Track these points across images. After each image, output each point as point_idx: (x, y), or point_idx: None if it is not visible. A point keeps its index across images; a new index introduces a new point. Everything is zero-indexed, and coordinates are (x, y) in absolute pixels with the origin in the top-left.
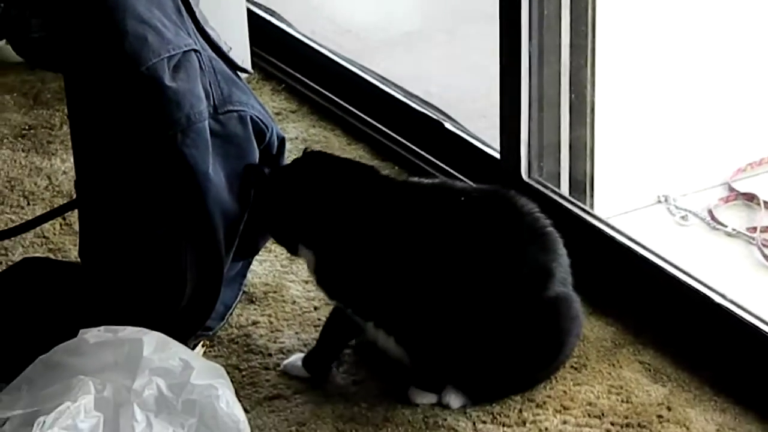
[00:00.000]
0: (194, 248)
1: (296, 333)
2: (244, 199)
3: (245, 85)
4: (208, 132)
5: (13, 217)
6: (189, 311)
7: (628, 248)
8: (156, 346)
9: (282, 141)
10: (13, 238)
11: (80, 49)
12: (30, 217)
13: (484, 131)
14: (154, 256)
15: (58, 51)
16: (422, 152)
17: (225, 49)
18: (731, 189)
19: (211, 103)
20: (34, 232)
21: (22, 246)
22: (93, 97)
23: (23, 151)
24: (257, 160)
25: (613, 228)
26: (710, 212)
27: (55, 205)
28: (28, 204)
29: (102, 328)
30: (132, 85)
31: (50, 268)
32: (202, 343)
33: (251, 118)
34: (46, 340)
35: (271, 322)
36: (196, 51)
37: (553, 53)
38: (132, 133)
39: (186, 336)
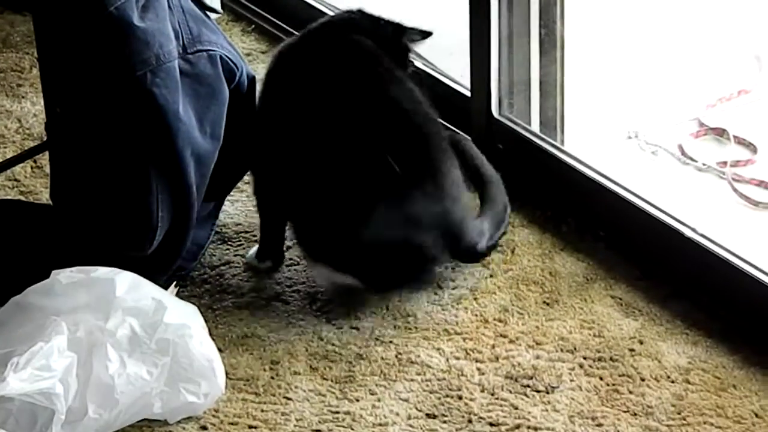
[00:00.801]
0: (165, 188)
1: (267, 272)
2: (215, 138)
3: (215, 25)
4: (177, 71)
5: None
6: (161, 251)
7: (599, 183)
8: (129, 287)
9: (252, 80)
10: None
11: None
12: (0, 160)
13: (453, 69)
14: (124, 197)
15: None
16: None
17: None
18: (701, 124)
19: (181, 42)
20: (5, 174)
21: None
22: (62, 38)
23: None
24: (227, 100)
25: (583, 164)
26: (680, 147)
27: (26, 148)
28: None
29: (74, 269)
30: (100, 24)
31: (21, 210)
32: (175, 283)
33: (221, 57)
34: (19, 282)
35: (243, 263)
36: None
37: None
38: (101, 73)
39: (158, 276)
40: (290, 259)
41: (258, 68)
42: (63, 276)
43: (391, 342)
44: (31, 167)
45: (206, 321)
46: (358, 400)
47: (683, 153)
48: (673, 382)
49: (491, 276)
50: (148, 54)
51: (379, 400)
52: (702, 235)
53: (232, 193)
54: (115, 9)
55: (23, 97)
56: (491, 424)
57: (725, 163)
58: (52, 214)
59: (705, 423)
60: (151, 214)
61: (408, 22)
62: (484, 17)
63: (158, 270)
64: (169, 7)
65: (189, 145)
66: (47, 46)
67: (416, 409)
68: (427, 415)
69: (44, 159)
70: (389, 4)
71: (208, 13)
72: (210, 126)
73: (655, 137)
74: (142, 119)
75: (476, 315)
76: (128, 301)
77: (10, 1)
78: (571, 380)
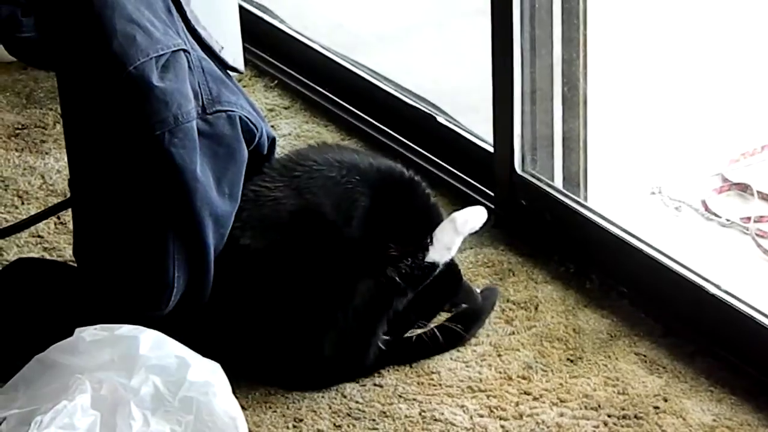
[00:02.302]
0: (182, 248)
1: None
2: (233, 198)
3: (236, 85)
4: (195, 132)
5: (8, 217)
6: (181, 309)
7: (623, 240)
8: (152, 344)
9: (273, 141)
10: (7, 238)
11: (70, 48)
12: (24, 217)
13: (476, 125)
14: (140, 256)
15: (50, 50)
16: (415, 146)
17: (216, 48)
18: (724, 179)
19: (200, 102)
20: (28, 231)
21: (17, 246)
22: (83, 96)
23: (16, 150)
24: (246, 160)
25: (607, 220)
26: (704, 203)
27: (50, 204)
28: (23, 203)
29: (98, 326)
30: (120, 84)
31: (45, 268)
32: None
33: (240, 118)
34: (43, 340)
35: None
36: (185, 51)
37: (545, 46)
38: (120, 133)
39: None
40: None
41: (280, 124)
42: (87, 333)
43: (414, 399)
44: (55, 224)
45: (229, 378)
46: None
47: (707, 209)
48: None
49: (514, 333)
50: (167, 114)
51: None
52: (726, 292)
53: None
54: (134, 68)
55: (47, 153)
56: None
57: (749, 218)
58: (76, 271)
59: None
60: (168, 274)
61: (433, 78)
62: (506, 74)
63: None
64: (189, 67)
65: (207, 206)
66: (69, 102)
67: None
68: None
69: (68, 215)
70: (415, 62)
71: (229, 72)
72: (228, 186)
73: (679, 193)
74: (160, 179)
75: (500, 372)
76: (152, 359)
77: (34, 58)
78: None
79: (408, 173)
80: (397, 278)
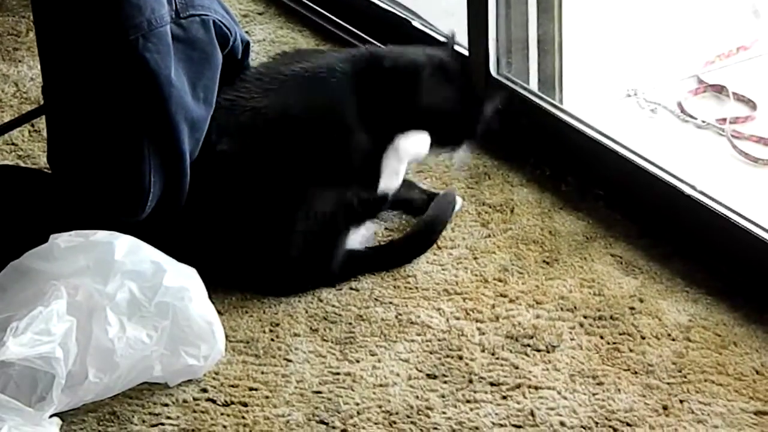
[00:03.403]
0: (157, 153)
1: None
2: (208, 103)
3: None
4: (169, 36)
5: None
6: (155, 216)
7: (598, 142)
8: (127, 250)
9: (247, 45)
10: None
11: None
12: None
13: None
14: (116, 161)
15: None
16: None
17: None
18: (700, 81)
19: (173, 7)
20: (2, 139)
21: None
22: (56, 2)
23: None
24: (220, 64)
25: (582, 122)
26: (680, 105)
27: (23, 112)
28: None
29: (73, 232)
30: None
31: (19, 175)
32: None
33: (214, 22)
34: (18, 246)
35: None
36: None
37: None
38: (94, 38)
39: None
40: None
41: (255, 29)
42: (62, 240)
43: (390, 303)
44: (29, 131)
45: (206, 284)
46: (358, 361)
47: (682, 110)
48: (673, 340)
49: (490, 236)
50: (140, 19)
51: (379, 361)
52: (702, 193)
53: None
54: None
55: (20, 61)
56: (492, 384)
57: (725, 120)
58: (50, 178)
59: (706, 380)
60: (143, 179)
61: None
62: None
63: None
64: None
65: (182, 111)
66: (42, 9)
67: (417, 369)
68: (428, 375)
69: (42, 123)
70: None
71: None
72: (203, 91)
73: (655, 95)
74: (134, 84)
75: (476, 275)
76: (127, 265)
77: None
78: (572, 339)
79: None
80: (355, 204)
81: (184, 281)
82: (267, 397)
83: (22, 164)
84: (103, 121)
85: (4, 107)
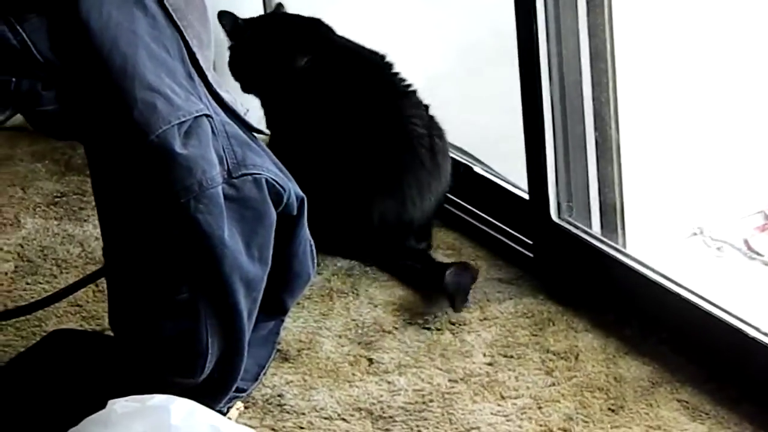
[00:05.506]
0: (213, 314)
1: (330, 390)
2: (263, 262)
3: (261, 147)
4: (221, 197)
5: (46, 287)
6: (215, 376)
7: (662, 286)
8: (185, 414)
9: (302, 201)
10: (46, 308)
11: (92, 119)
12: (63, 286)
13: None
14: (176, 324)
15: (72, 122)
16: (451, 196)
17: (240, 111)
18: (767, 216)
19: (225, 167)
20: (68, 300)
21: (56, 316)
22: (110, 165)
23: (56, 218)
24: (274, 223)
25: (646, 266)
26: (746, 242)
27: (88, 273)
28: (61, 272)
29: (130, 397)
30: (143, 153)
31: (79, 340)
32: (236, 405)
33: (267, 180)
34: (76, 412)
35: (305, 380)
36: (207, 116)
37: (574, 89)
38: (146, 201)
39: (218, 399)
40: (348, 380)
41: None
42: (119, 405)
43: None
44: (93, 291)
45: None
46: None
47: (749, 248)
48: None
49: (554, 384)
50: (191, 181)
51: None
52: None
53: (293, 310)
54: (156, 137)
55: (85, 221)
56: None
57: None
58: (110, 341)
59: None
60: (200, 342)
61: (470, 127)
62: (536, 121)
63: (216, 394)
64: (213, 132)
65: (236, 271)
66: (98, 172)
67: None
68: None
69: (105, 283)
70: (449, 111)
71: (254, 134)
72: (258, 250)
73: (720, 232)
74: (188, 246)
75: (540, 425)
76: (183, 429)
77: (56, 131)
78: None
79: None
80: None
81: None
82: None
83: (87, 326)
84: (159, 283)
85: (69, 268)
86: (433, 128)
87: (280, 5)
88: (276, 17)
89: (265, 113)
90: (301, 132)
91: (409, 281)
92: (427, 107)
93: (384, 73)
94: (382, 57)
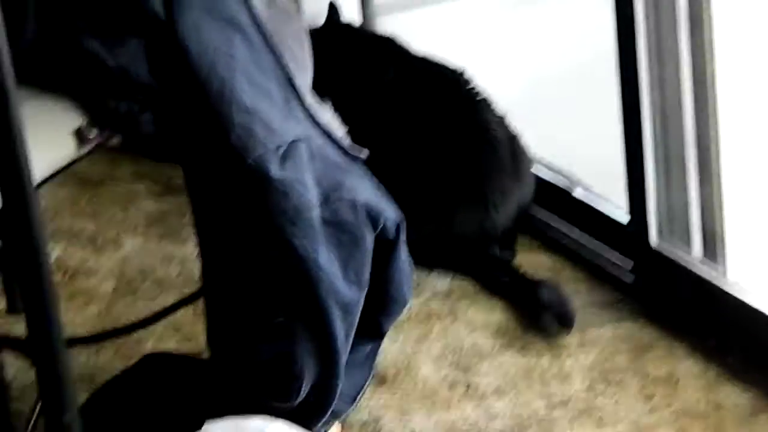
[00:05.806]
0: (309, 338)
1: (427, 414)
2: (360, 286)
3: (358, 170)
4: (317, 221)
5: (145, 307)
6: (312, 399)
7: (765, 314)
8: None
9: (398, 225)
10: (145, 329)
11: (189, 142)
12: (162, 306)
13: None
14: (272, 347)
15: (170, 145)
16: (551, 217)
17: (337, 135)
18: None
19: (321, 191)
20: (166, 321)
21: (154, 336)
22: (207, 187)
23: (156, 239)
24: (372, 246)
25: (747, 293)
26: None
27: (187, 293)
28: (161, 293)
29: (226, 419)
30: (240, 177)
31: (174, 363)
32: (333, 428)
33: (362, 204)
34: None
35: (401, 404)
36: (304, 140)
37: (675, 112)
38: (243, 224)
39: (314, 422)
40: (445, 404)
41: None
42: (215, 427)
43: None
44: (192, 313)
45: None
46: None
47: None
48: None
49: (654, 410)
50: (287, 205)
51: None
52: None
53: (390, 333)
54: (253, 161)
55: (185, 241)
56: None
57: None
58: (204, 364)
59: None
60: (296, 365)
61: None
62: (637, 143)
63: (312, 417)
64: (310, 155)
65: (333, 294)
66: (196, 193)
67: None
68: None
69: None
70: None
71: (351, 158)
72: (355, 274)
73: None
74: (283, 270)
75: None
76: None
77: (154, 152)
78: None
79: None
80: None
81: None
82: None
83: (184, 347)
84: (256, 305)
85: (168, 288)
86: (513, 136)
87: (332, 6)
88: (343, 28)
89: (347, 126)
90: (385, 141)
91: (497, 291)
92: (503, 118)
93: (462, 85)
94: (461, 72)
